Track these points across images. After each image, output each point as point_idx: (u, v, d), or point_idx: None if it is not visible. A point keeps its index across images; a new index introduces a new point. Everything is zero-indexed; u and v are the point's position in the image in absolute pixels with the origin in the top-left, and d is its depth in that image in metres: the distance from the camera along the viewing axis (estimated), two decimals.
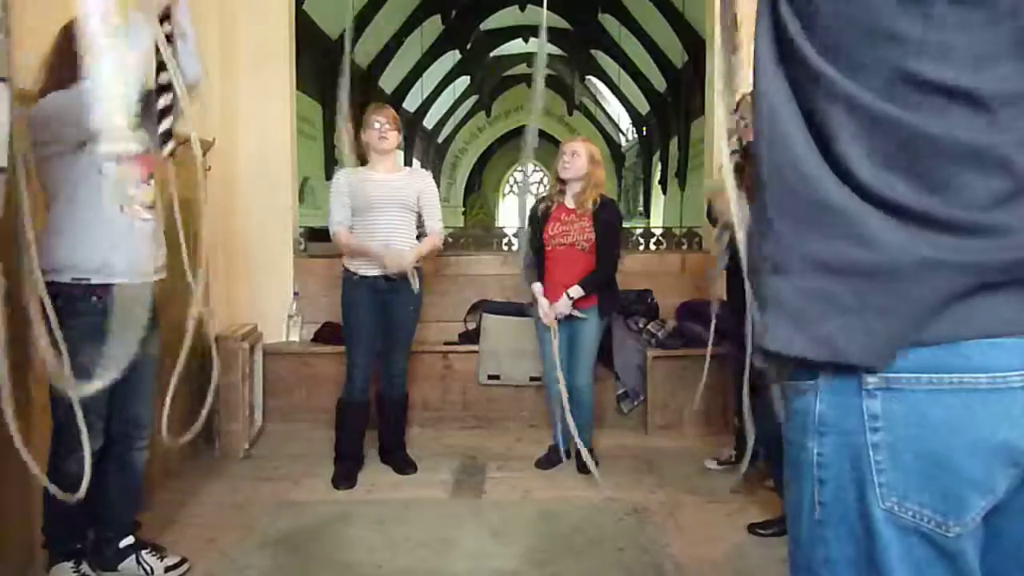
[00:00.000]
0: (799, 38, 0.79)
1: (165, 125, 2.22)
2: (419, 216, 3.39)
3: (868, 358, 0.76)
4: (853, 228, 0.76)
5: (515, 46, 15.26)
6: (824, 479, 0.81)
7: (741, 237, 0.91)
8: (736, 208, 0.94)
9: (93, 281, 2.17)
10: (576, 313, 3.32)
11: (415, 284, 3.27)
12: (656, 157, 15.10)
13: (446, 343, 4.25)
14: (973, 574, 0.79)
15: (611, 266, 3.38)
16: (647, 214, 15.96)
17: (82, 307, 2.14)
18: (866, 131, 0.76)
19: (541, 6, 11.44)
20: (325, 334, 4.18)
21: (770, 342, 0.81)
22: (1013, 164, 0.74)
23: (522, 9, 13.21)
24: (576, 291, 3.28)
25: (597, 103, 18.54)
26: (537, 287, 3.36)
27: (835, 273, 0.76)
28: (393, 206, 3.28)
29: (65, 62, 2.13)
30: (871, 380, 0.77)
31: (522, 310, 3.98)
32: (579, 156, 3.35)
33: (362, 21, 10.51)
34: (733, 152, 3.30)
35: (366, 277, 3.27)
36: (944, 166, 0.74)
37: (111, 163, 2.16)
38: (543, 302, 3.34)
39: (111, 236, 2.17)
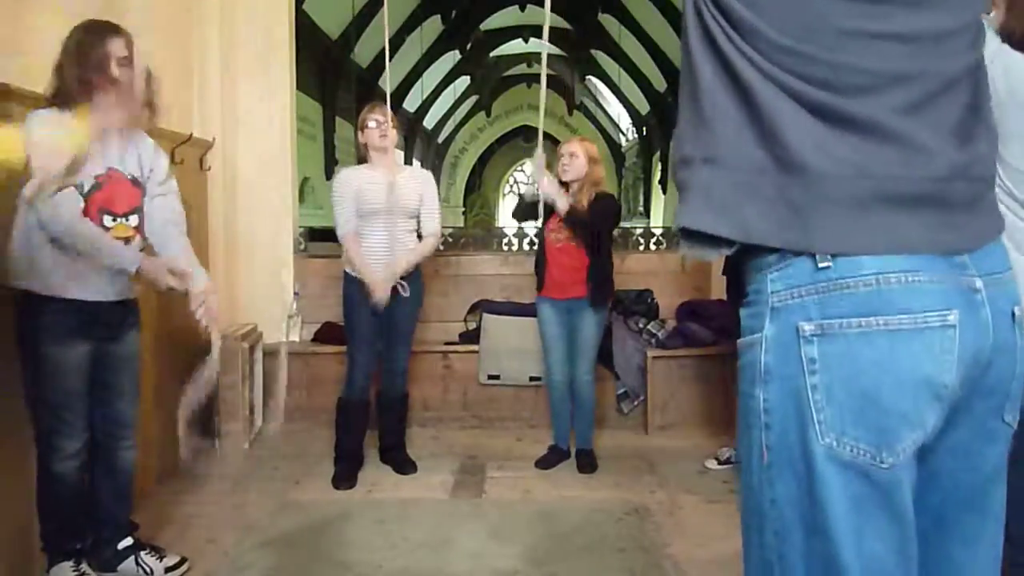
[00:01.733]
0: None
1: None
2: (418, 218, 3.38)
3: (773, 240, 0.85)
4: (776, 128, 0.84)
5: (515, 46, 15.27)
6: (770, 424, 0.88)
7: None
8: None
9: (51, 294, 2.18)
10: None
11: (403, 292, 3.26)
12: (656, 157, 15.10)
13: (446, 343, 4.25)
14: (905, 508, 0.85)
15: (599, 221, 3.32)
16: (647, 214, 15.96)
17: (46, 306, 2.16)
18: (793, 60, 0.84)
19: (542, 6, 11.44)
20: (325, 334, 4.18)
21: (692, 222, 0.89)
22: (919, 79, 0.84)
23: (522, 9, 13.22)
24: (564, 205, 3.25)
25: (597, 103, 18.54)
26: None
27: (760, 167, 0.85)
28: (395, 213, 3.26)
29: (74, 66, 2.12)
30: (807, 328, 0.84)
31: (522, 310, 3.98)
32: (577, 157, 3.37)
33: (362, 21, 10.52)
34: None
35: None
36: (860, 78, 0.83)
37: (90, 189, 2.17)
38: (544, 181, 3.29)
39: (73, 264, 2.17)
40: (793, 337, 0.85)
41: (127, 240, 2.26)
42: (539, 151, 3.25)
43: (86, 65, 2.12)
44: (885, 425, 0.82)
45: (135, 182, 2.30)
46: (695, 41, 0.90)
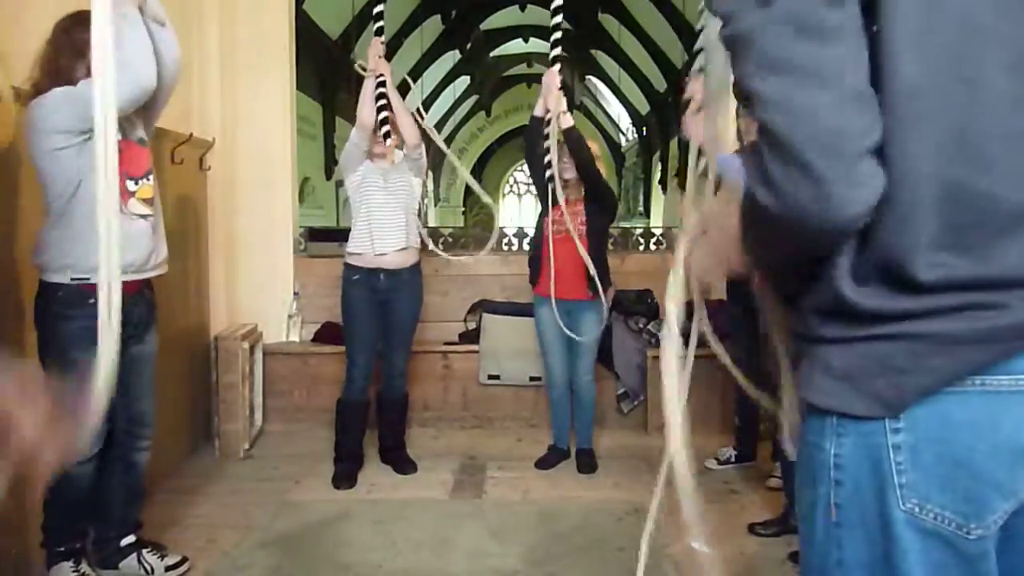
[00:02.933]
0: None
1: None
2: (418, 214, 3.39)
3: (911, 402, 0.77)
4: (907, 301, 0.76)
5: (515, 46, 15.27)
6: (841, 480, 0.81)
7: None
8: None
9: (92, 280, 2.16)
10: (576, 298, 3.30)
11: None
12: (656, 157, 15.09)
13: (446, 343, 4.24)
14: None
15: (598, 179, 3.33)
16: (647, 214, 15.96)
17: (79, 310, 2.14)
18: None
19: (541, 6, 11.45)
20: (325, 334, 4.18)
21: (823, 399, 0.82)
22: None
23: (522, 9, 13.22)
24: (568, 120, 3.19)
25: (597, 103, 18.55)
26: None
27: (888, 339, 0.77)
28: (392, 205, 3.27)
29: (61, 57, 2.13)
30: None
31: (522, 310, 3.97)
32: None
33: (362, 21, 10.51)
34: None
35: (368, 271, 3.25)
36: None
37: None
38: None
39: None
40: None
41: (150, 201, 2.27)
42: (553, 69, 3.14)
43: (71, 58, 2.12)
44: (976, 494, 0.76)
45: (141, 142, 2.31)
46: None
